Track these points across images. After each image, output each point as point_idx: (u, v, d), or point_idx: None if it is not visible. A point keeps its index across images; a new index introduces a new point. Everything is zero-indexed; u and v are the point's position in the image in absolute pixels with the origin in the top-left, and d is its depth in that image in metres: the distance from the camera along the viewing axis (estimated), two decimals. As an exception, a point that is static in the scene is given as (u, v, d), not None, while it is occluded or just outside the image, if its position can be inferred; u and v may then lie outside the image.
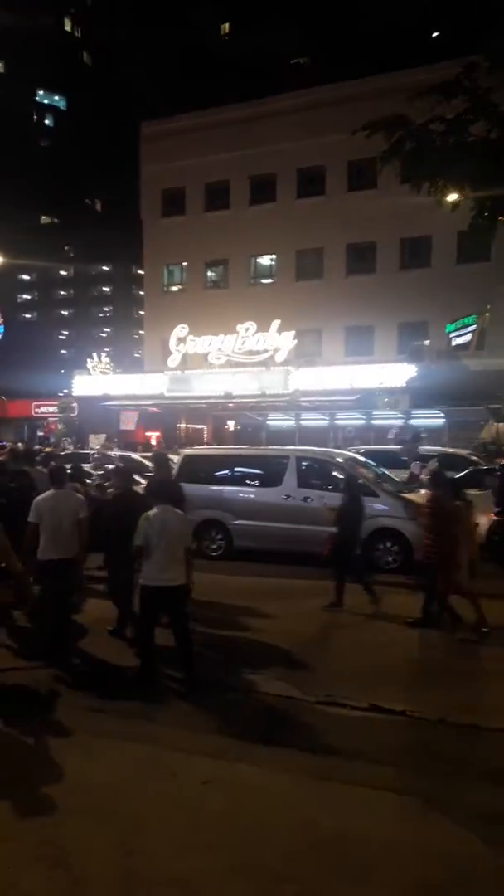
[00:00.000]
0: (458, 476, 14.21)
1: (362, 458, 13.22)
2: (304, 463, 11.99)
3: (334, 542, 8.89)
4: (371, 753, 4.85)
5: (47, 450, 18.14)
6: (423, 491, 12.66)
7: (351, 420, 26.40)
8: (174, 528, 6.15)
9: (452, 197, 10.42)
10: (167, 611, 6.23)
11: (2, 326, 34.07)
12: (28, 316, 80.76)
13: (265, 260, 30.99)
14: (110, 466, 13.25)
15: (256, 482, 12.27)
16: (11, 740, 5.02)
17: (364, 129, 10.10)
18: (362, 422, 26.05)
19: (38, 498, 6.91)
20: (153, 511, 6.25)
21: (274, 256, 30.52)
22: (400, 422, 23.82)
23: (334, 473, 11.52)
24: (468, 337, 23.99)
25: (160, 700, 5.78)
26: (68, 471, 8.02)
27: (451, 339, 24.83)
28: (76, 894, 3.34)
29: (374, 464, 12.80)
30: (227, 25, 76.92)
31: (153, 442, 30.15)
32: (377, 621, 8.14)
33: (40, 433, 35.21)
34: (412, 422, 24.45)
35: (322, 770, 4.57)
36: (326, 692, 5.87)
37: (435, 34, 63.10)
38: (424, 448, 16.70)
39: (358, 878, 3.46)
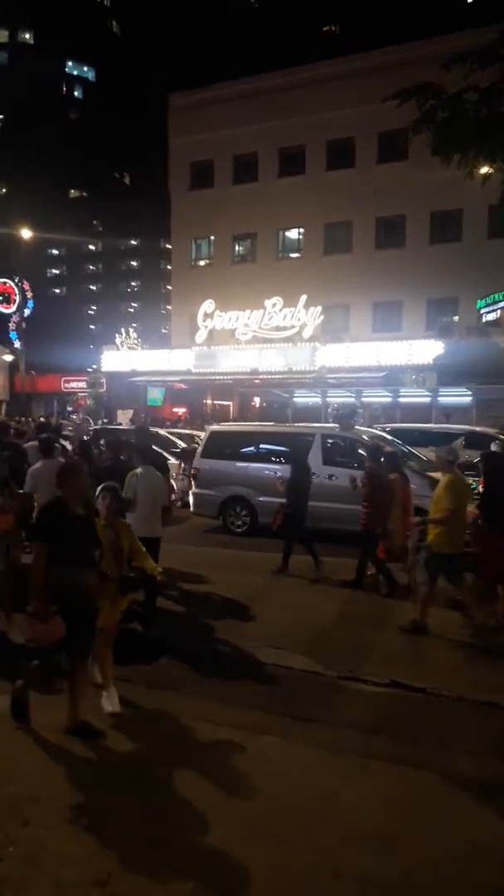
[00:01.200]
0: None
1: (388, 436, 13.15)
2: (329, 440, 11.96)
3: (284, 513, 9.44)
4: (391, 729, 4.92)
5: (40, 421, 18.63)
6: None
7: (378, 397, 26.21)
8: (156, 486, 6.90)
9: (484, 170, 10.18)
10: None
11: (31, 301, 34.35)
12: (57, 291, 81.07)
13: (293, 234, 30.68)
14: (86, 438, 13.54)
15: (282, 459, 12.29)
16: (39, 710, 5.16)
17: (395, 97, 9.86)
18: (389, 399, 25.85)
19: (32, 468, 7.43)
20: (139, 469, 6.90)
21: (302, 230, 30.19)
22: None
23: (360, 451, 11.49)
24: (499, 313, 23.57)
25: (180, 670, 5.89)
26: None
27: (481, 315, 24.42)
28: (104, 855, 3.46)
29: (399, 442, 12.72)
30: (257, -8, 75.44)
31: (180, 417, 30.31)
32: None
33: (69, 408, 35.61)
34: (442, 399, 24.26)
35: (343, 744, 4.64)
36: (348, 668, 5.93)
37: (469, 0, 61.14)
38: (448, 426, 16.54)
39: (377, 849, 3.53)
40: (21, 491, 7.06)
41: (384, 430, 14.70)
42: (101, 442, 11.02)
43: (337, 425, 13.11)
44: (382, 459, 9.01)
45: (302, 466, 9.72)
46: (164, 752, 4.48)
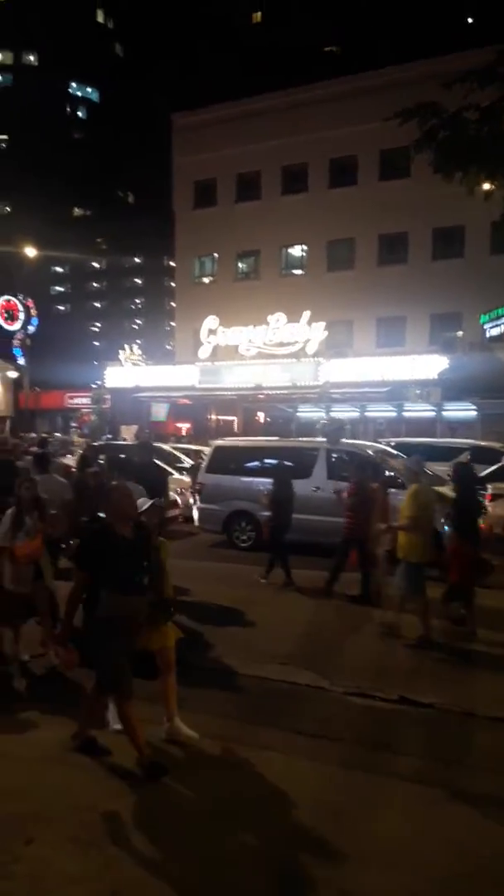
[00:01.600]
0: (487, 471, 14.12)
1: (393, 451, 13.16)
2: (334, 455, 11.97)
3: (270, 526, 9.86)
4: (398, 744, 4.88)
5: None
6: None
7: (382, 412, 26.24)
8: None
9: (486, 186, 10.25)
10: None
11: (36, 319, 34.60)
12: (61, 308, 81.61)
13: (296, 251, 30.88)
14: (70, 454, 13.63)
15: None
16: (36, 728, 5.14)
17: (396, 116, 9.94)
18: (393, 414, 25.87)
19: None
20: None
21: (305, 247, 30.39)
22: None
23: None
24: (502, 328, 23.65)
25: (185, 685, 5.86)
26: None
27: (485, 330, 24.50)
28: (109, 874, 3.43)
29: (404, 456, 12.71)
30: (258, 14, 76.33)
31: (184, 433, 30.36)
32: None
33: (73, 424, 35.72)
34: (447, 413, 24.28)
35: (349, 759, 4.61)
36: (355, 683, 5.90)
37: (469, 20, 61.87)
38: (453, 440, 16.54)
39: (384, 866, 3.50)
40: (53, 512, 6.85)
41: (389, 445, 14.71)
42: (101, 458, 10.99)
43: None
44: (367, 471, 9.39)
45: (284, 481, 10.01)
46: (169, 768, 4.45)
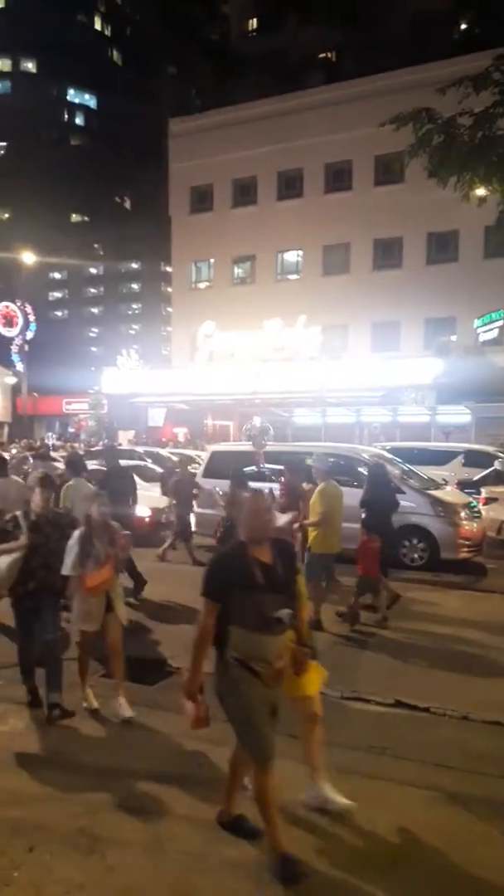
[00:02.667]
0: (481, 475, 14.17)
1: (388, 455, 13.18)
2: (329, 459, 11.96)
3: (224, 525, 9.60)
4: (395, 748, 4.89)
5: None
6: (448, 488, 12.69)
7: (377, 416, 26.29)
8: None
9: (480, 192, 10.33)
10: None
11: (33, 325, 34.62)
12: (59, 314, 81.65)
13: (292, 255, 30.97)
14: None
15: (282, 478, 12.30)
16: (44, 734, 5.14)
17: (391, 122, 10.04)
18: (389, 418, 25.91)
19: None
20: (71, 482, 7.99)
21: (301, 252, 30.49)
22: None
23: (360, 469, 11.50)
24: (496, 332, 23.75)
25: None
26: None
27: (478, 334, 24.60)
28: (111, 882, 3.43)
29: (399, 460, 12.76)
30: (254, 21, 76.68)
31: (180, 438, 30.37)
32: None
33: (71, 430, 35.72)
34: (441, 417, 24.34)
35: (348, 764, 4.61)
36: (351, 688, 5.91)
37: (463, 26, 62.25)
38: (447, 444, 16.62)
39: (384, 870, 3.51)
40: (127, 532, 6.42)
41: (384, 449, 14.75)
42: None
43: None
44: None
45: (239, 481, 10.02)
46: (169, 774, 4.45)
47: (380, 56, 42.94)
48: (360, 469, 11.48)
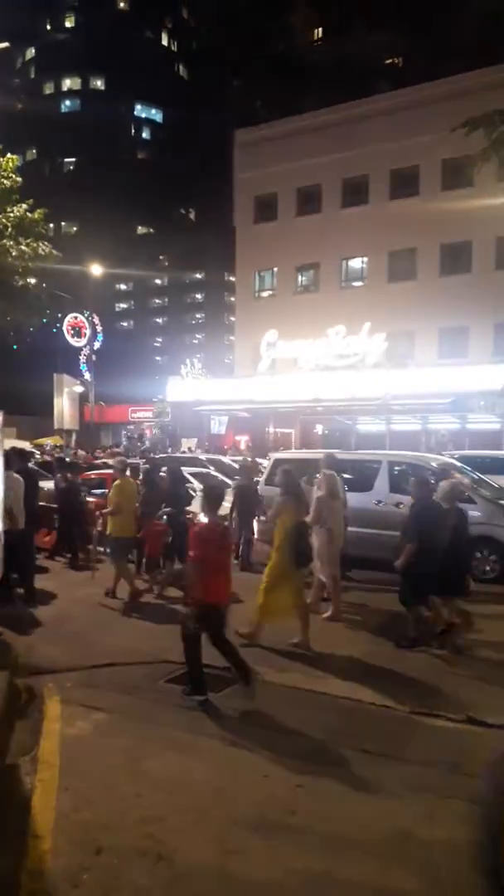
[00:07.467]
0: None
1: (458, 463, 12.86)
2: (396, 468, 11.76)
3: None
4: (466, 765, 4.73)
5: None
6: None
7: (444, 424, 25.72)
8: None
9: None
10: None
11: (101, 335, 35.43)
12: (125, 324, 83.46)
13: (356, 262, 30.75)
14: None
15: (346, 487, 12.15)
16: (113, 737, 5.20)
17: (463, 125, 9.86)
18: (457, 426, 25.32)
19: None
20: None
21: (366, 259, 30.23)
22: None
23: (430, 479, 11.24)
24: None
25: (244, 699, 5.84)
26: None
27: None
28: (178, 889, 3.42)
29: (469, 469, 12.42)
30: (319, 30, 76.83)
31: (242, 446, 30.50)
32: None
33: (130, 435, 36.42)
34: None
35: (415, 781, 4.49)
36: (420, 702, 5.77)
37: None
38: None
39: (454, 892, 3.39)
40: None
41: (453, 457, 14.39)
42: (164, 469, 11.46)
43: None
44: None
45: (245, 494, 11.60)
46: (235, 785, 4.42)
47: (446, 60, 42.24)
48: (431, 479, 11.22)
